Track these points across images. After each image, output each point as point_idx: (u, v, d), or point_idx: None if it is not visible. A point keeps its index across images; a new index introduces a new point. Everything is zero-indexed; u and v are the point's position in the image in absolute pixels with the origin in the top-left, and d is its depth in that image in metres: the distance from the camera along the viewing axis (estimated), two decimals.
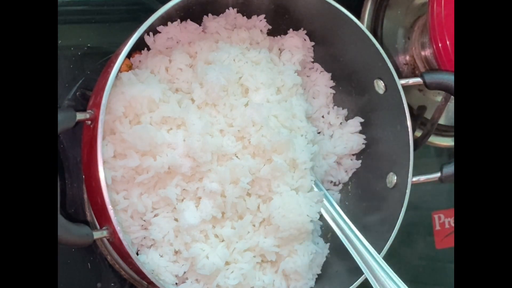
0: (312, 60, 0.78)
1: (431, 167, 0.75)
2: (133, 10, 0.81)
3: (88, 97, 0.69)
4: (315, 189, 0.72)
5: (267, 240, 0.69)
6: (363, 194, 0.78)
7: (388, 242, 0.69)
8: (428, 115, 0.84)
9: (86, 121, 0.63)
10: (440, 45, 0.75)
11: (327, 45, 0.76)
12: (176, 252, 0.67)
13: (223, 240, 0.68)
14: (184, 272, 0.68)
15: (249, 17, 0.74)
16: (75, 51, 0.75)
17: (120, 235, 0.61)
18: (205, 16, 0.73)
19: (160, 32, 0.70)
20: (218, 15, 0.73)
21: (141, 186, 0.66)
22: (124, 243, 0.61)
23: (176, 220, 0.67)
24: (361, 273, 0.69)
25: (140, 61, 0.70)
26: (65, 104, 0.74)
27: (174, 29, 0.71)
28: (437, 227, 0.93)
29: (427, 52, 0.85)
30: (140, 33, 0.64)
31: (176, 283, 0.67)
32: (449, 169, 0.74)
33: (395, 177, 0.73)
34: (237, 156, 0.68)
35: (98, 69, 0.73)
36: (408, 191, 0.71)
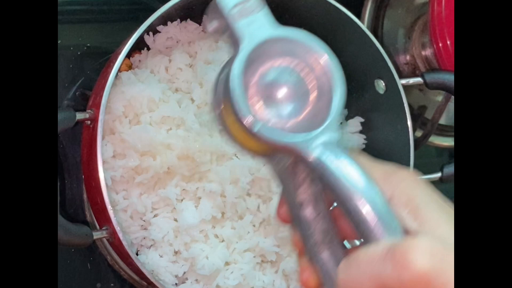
0: None
1: (432, 167, 0.75)
2: (133, 10, 0.81)
3: (88, 97, 0.69)
4: None
5: (267, 240, 0.69)
6: None
7: None
8: (428, 115, 0.84)
9: (86, 121, 0.63)
10: (440, 44, 0.75)
11: (327, 45, 0.76)
12: (176, 252, 0.67)
13: (223, 240, 0.68)
14: (184, 273, 0.67)
15: None
16: (74, 51, 0.75)
17: (120, 235, 0.61)
18: (205, 16, 0.73)
19: (160, 32, 0.70)
20: None
21: (140, 186, 0.66)
22: (124, 243, 0.61)
23: (175, 220, 0.67)
24: None
25: (140, 60, 0.70)
26: (65, 104, 0.74)
27: (174, 29, 0.71)
28: None
29: (428, 52, 0.85)
30: (140, 33, 0.64)
31: (176, 284, 0.67)
32: (450, 169, 0.74)
33: None
34: (236, 156, 0.68)
35: (97, 69, 0.72)
36: None
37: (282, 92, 0.42)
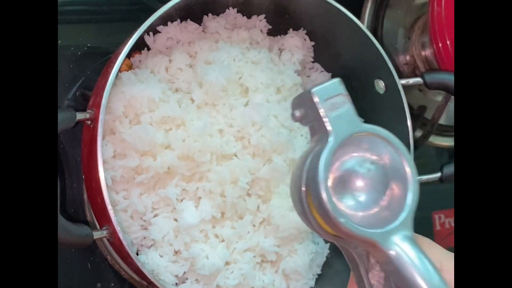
0: (312, 60, 0.78)
1: (431, 167, 0.75)
2: (133, 10, 0.81)
3: (88, 97, 0.69)
4: None
5: (267, 240, 0.69)
6: None
7: None
8: (428, 115, 0.84)
9: (86, 121, 0.63)
10: (440, 45, 0.75)
11: (327, 45, 0.76)
12: (176, 252, 0.67)
13: (223, 240, 0.68)
14: (184, 272, 0.67)
15: (249, 17, 0.74)
16: (75, 51, 0.75)
17: (120, 235, 0.61)
18: (205, 16, 0.73)
19: (160, 32, 0.70)
20: (218, 15, 0.73)
21: (140, 186, 0.66)
22: (124, 243, 0.61)
23: (175, 220, 0.67)
24: None
25: (140, 61, 0.70)
26: (65, 104, 0.74)
27: (174, 29, 0.71)
28: (438, 227, 0.93)
29: (428, 52, 0.85)
30: (140, 33, 0.64)
31: (176, 283, 0.67)
32: (449, 169, 0.74)
33: None
34: (236, 156, 0.68)
35: (98, 69, 0.73)
36: None
37: (358, 183, 0.46)
